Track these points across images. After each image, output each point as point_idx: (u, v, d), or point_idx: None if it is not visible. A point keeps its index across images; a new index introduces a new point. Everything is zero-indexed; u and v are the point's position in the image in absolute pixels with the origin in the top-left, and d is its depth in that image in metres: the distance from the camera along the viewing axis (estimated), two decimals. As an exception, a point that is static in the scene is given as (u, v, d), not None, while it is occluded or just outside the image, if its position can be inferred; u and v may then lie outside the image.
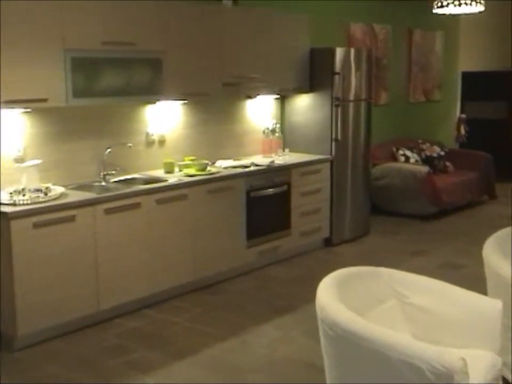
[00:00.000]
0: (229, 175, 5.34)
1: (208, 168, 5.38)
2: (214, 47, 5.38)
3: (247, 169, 5.55)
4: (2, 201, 4.10)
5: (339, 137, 6.35)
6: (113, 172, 5.03)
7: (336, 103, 6.29)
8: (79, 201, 4.29)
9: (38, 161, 4.40)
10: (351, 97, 6.45)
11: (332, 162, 6.37)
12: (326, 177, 6.35)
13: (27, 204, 4.09)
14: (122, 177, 5.10)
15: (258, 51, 5.78)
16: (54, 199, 4.25)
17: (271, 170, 5.74)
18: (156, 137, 5.45)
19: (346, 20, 7.41)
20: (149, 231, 4.72)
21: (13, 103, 4.12)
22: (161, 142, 5.51)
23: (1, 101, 4.05)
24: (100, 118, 5.02)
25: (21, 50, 4.10)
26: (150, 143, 5.42)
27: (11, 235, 3.94)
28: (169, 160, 5.39)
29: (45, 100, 4.27)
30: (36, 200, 4.14)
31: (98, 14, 4.51)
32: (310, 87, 6.40)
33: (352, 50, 6.44)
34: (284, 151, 6.38)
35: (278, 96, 6.45)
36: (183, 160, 5.52)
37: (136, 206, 4.63)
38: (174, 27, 5.03)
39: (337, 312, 2.77)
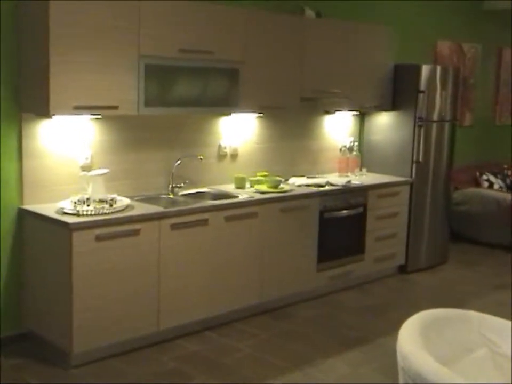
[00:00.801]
0: (302, 194, 5.05)
1: (281, 185, 5.10)
2: (294, 59, 5.12)
3: (321, 189, 5.24)
4: (65, 211, 3.94)
5: (420, 159, 5.97)
6: (182, 185, 4.82)
7: (420, 123, 5.92)
8: (145, 215, 4.08)
9: (106, 170, 4.23)
10: (435, 117, 6.07)
11: (411, 184, 5.99)
12: (404, 200, 5.98)
13: (91, 215, 3.92)
14: (191, 191, 4.89)
15: (340, 65, 5.48)
16: (119, 211, 4.06)
17: (347, 191, 5.42)
18: (228, 150, 5.22)
19: (433, 36, 7.02)
20: (215, 249, 4.48)
21: (82, 109, 3.96)
22: (234, 155, 5.27)
23: (71, 106, 3.89)
24: (171, 128, 4.82)
25: (93, 55, 3.94)
26: (221, 156, 5.19)
27: (72, 247, 3.76)
28: (240, 175, 5.15)
29: (115, 107, 4.10)
30: (100, 211, 3.96)
31: (176, 20, 4.31)
32: (392, 104, 6.05)
33: (439, 68, 6.07)
34: (361, 170, 6.04)
35: (357, 112, 6.12)
36: (255, 176, 5.27)
37: (204, 222, 4.39)
38: (254, 37, 4.79)
39: (422, 363, 2.44)
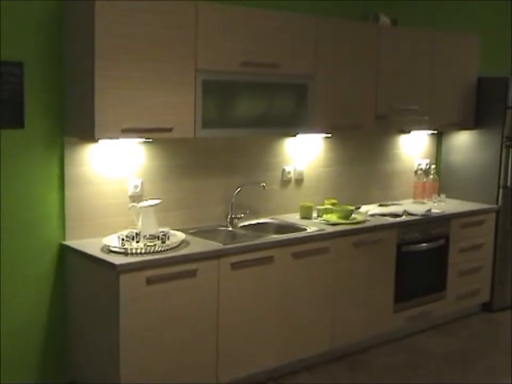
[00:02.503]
0: (378, 225, 4.44)
1: (353, 215, 4.50)
2: (368, 72, 4.53)
3: (399, 219, 4.62)
4: (112, 248, 3.43)
5: (508, 184, 5.28)
6: (242, 215, 4.26)
7: (508, 143, 5.24)
8: (203, 253, 3.54)
9: (158, 201, 3.71)
10: (524, 136, 5.37)
11: (497, 212, 5.31)
12: (490, 230, 5.30)
13: (141, 254, 3.40)
14: (251, 222, 4.34)
15: (419, 79, 4.88)
16: (173, 249, 3.53)
17: (427, 221, 4.78)
18: (292, 175, 4.66)
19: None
20: (281, 291, 3.91)
21: (131, 132, 3.46)
22: (299, 181, 4.70)
23: (119, 129, 3.39)
24: (231, 152, 4.29)
25: (144, 70, 3.45)
26: (285, 182, 4.62)
27: (120, 292, 3.24)
28: (307, 204, 4.57)
29: (169, 130, 3.58)
30: (152, 249, 3.44)
31: (237, 30, 3.79)
32: (474, 122, 5.39)
33: (526, 81, 5.36)
34: (439, 196, 5.38)
35: (434, 132, 5.48)
36: (323, 204, 4.69)
37: (269, 260, 3.83)
38: (324, 48, 4.23)
39: None
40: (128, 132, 3.44)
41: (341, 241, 4.21)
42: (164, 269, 3.38)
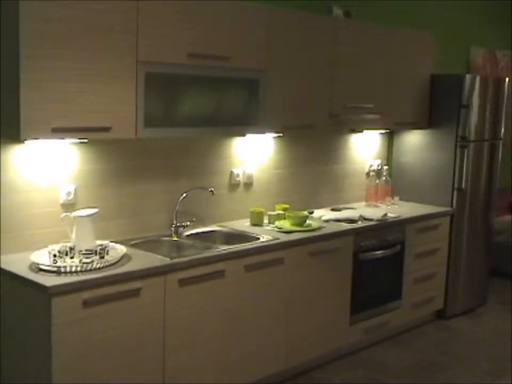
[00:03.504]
0: (334, 232, 4.12)
1: (307, 221, 4.16)
2: (323, 67, 4.21)
3: (355, 225, 4.31)
4: (42, 267, 2.97)
5: (463, 186, 5.06)
6: (188, 223, 3.86)
7: (462, 143, 5.03)
8: (146, 270, 3.12)
9: (94, 211, 3.27)
10: (478, 136, 5.16)
11: (452, 216, 5.08)
12: (444, 234, 5.08)
13: (76, 272, 2.95)
14: (198, 230, 3.94)
15: (373, 75, 4.58)
16: (113, 265, 3.10)
17: (384, 226, 4.49)
18: (241, 178, 4.28)
19: (467, 42, 6.14)
20: (232, 307, 3.54)
21: (64, 132, 3.00)
22: (248, 184, 4.33)
23: (48, 128, 2.94)
24: (175, 153, 3.88)
25: (78, 60, 3.00)
26: (234, 185, 4.24)
27: (51, 317, 2.80)
28: (257, 209, 4.21)
29: (107, 129, 3.15)
30: (89, 266, 2.99)
31: (185, 18, 3.38)
32: (428, 122, 5.16)
33: (478, 79, 5.14)
34: (392, 199, 5.12)
35: (385, 131, 5.21)
36: (274, 209, 4.34)
37: (220, 274, 3.45)
38: (276, 40, 3.87)
39: None
40: (60, 131, 2.99)
41: (296, 251, 3.87)
42: (103, 289, 2.94)
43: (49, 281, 2.82)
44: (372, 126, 4.77)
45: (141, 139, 3.44)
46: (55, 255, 3.01)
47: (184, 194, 3.83)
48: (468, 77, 5.01)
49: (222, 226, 4.08)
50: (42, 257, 3.07)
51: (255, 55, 3.75)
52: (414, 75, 4.95)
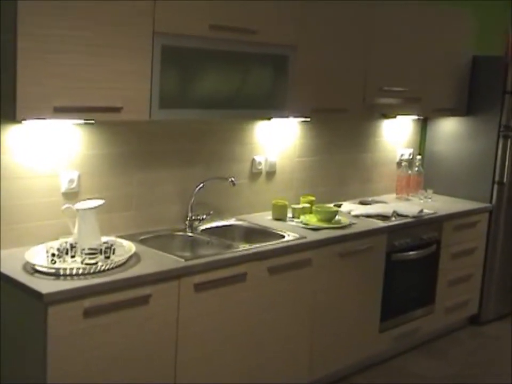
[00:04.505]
0: (367, 230, 3.69)
1: (337, 217, 3.74)
2: (358, 45, 3.76)
3: (389, 222, 3.88)
4: (38, 267, 2.56)
5: (504, 180, 4.61)
6: (204, 217, 3.44)
7: (505, 132, 4.57)
8: (158, 274, 2.70)
9: (100, 202, 2.84)
10: (523, 125, 4.70)
11: (490, 212, 4.64)
12: (482, 232, 4.64)
13: (77, 275, 2.54)
14: (214, 224, 3.52)
15: (410, 55, 4.12)
16: (120, 266, 2.68)
17: (419, 223, 4.06)
18: (263, 167, 3.85)
19: (505, 23, 5.62)
20: (253, 315, 3.13)
21: (67, 111, 2.58)
22: (270, 174, 3.90)
23: (50, 107, 2.51)
24: (191, 139, 3.45)
25: (84, 29, 2.57)
26: (255, 175, 3.82)
27: (47, 328, 2.39)
28: (280, 202, 3.79)
29: (117, 110, 2.72)
30: (92, 268, 2.58)
31: (206, -16, 2.93)
32: (467, 108, 4.69)
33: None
34: (426, 192, 4.67)
35: (419, 117, 4.76)
36: (299, 201, 3.91)
37: (241, 278, 3.03)
38: (308, 13, 3.41)
39: None
40: (63, 111, 2.57)
41: (325, 251, 3.45)
42: (107, 296, 2.54)
43: (45, 286, 2.41)
44: (407, 111, 4.32)
45: (154, 121, 3.00)
46: (53, 254, 2.59)
47: (201, 185, 3.40)
48: (514, 60, 4.53)
49: (241, 220, 3.67)
50: (38, 255, 2.66)
51: (284, 29, 3.30)
52: (453, 56, 4.49)
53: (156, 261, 2.82)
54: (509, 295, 4.96)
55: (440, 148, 4.91)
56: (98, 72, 2.63)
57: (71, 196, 2.98)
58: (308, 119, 3.77)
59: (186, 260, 2.85)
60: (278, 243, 3.25)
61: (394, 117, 4.47)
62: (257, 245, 3.17)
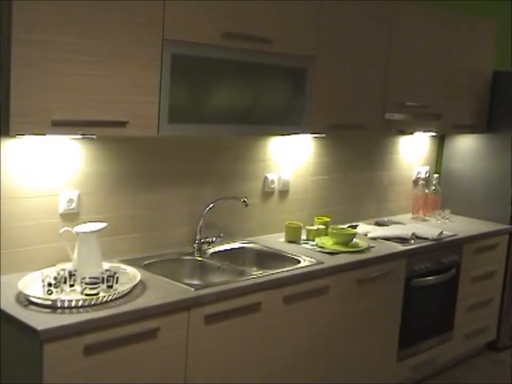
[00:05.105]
0: (386, 255, 3.45)
1: (354, 240, 3.50)
2: (377, 59, 3.53)
3: (409, 246, 3.64)
4: (33, 299, 2.30)
5: (524, 199, 4.39)
6: (214, 239, 3.20)
7: (527, 150, 4.35)
8: (167, 305, 2.45)
9: (102, 225, 2.60)
10: (545, 143, 4.48)
11: (510, 234, 4.41)
12: (501, 255, 4.40)
13: (77, 307, 2.28)
14: (224, 247, 3.28)
15: (431, 69, 3.89)
16: (124, 296, 2.43)
17: (439, 247, 3.82)
18: (276, 185, 3.61)
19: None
20: (267, 348, 2.88)
21: (66, 126, 2.33)
22: (283, 193, 3.66)
23: (47, 121, 2.27)
24: (200, 156, 3.21)
25: (86, 36, 2.33)
26: (267, 194, 3.58)
27: (43, 368, 2.13)
28: (294, 223, 3.54)
29: (122, 124, 2.48)
30: (93, 300, 2.33)
31: (220, -10, 2.71)
32: (486, 125, 4.47)
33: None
34: (443, 212, 4.43)
35: (435, 134, 4.53)
36: (313, 222, 3.67)
37: (255, 308, 2.78)
38: (327, 22, 3.19)
39: None
40: (62, 125, 2.32)
41: (343, 277, 3.20)
42: (111, 331, 2.28)
43: (41, 321, 2.16)
44: (426, 128, 4.08)
45: (161, 137, 2.76)
46: (50, 284, 2.34)
47: (211, 205, 3.16)
48: (537, 74, 4.31)
49: (253, 242, 3.42)
50: (33, 284, 2.41)
51: (302, 39, 3.07)
52: (474, 70, 4.26)
53: (163, 290, 2.57)
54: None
55: (457, 166, 4.68)
56: (101, 83, 2.39)
57: (70, 217, 2.74)
58: (322, 135, 3.53)
59: (196, 289, 2.60)
60: (294, 269, 3.00)
61: (412, 133, 4.25)
62: (272, 272, 2.92)
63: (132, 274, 2.63)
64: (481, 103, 4.39)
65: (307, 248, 3.39)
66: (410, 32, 3.68)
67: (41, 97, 2.24)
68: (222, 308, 2.64)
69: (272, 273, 2.89)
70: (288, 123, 3.13)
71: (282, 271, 2.94)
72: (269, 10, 2.89)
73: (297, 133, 3.22)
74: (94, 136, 2.54)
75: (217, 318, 2.63)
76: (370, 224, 4.05)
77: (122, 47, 2.42)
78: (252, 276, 2.83)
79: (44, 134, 2.32)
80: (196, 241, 3.14)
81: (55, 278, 2.37)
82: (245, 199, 3.18)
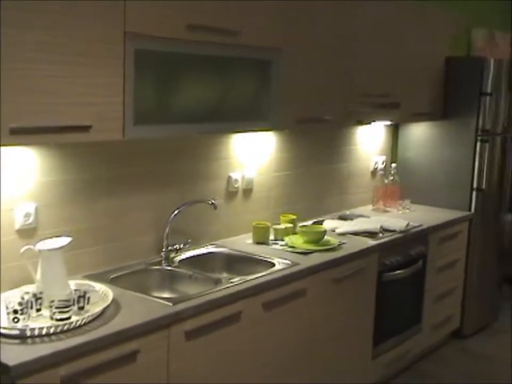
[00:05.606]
0: (360, 251, 3.33)
1: (325, 237, 3.37)
2: (343, 47, 3.39)
3: (379, 240, 3.54)
4: (-1, 329, 2.06)
5: (483, 186, 4.36)
6: (182, 246, 3.00)
7: (483, 137, 4.32)
8: (146, 324, 2.24)
9: (67, 240, 2.36)
10: (501, 128, 4.47)
11: (470, 221, 4.38)
12: (463, 243, 4.37)
13: (48, 335, 2.05)
14: (192, 253, 3.08)
15: (388, 57, 3.79)
16: (98, 318, 2.21)
17: (407, 239, 3.73)
18: (240, 184, 3.43)
19: (467, 24, 5.40)
20: (249, 357, 2.72)
21: (27, 134, 2.08)
22: (247, 191, 3.49)
23: (6, 129, 2.02)
24: (162, 158, 3.00)
25: (42, 29, 2.08)
26: (231, 193, 3.40)
27: (16, 407, 1.89)
28: (261, 223, 3.38)
29: (85, 129, 2.24)
30: (66, 325, 2.10)
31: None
32: (442, 112, 4.42)
33: (504, 63, 4.41)
34: (403, 202, 4.36)
35: (392, 123, 4.45)
36: (278, 220, 3.52)
37: (235, 318, 2.61)
38: (292, 13, 3.02)
39: None
40: (21, 133, 2.06)
41: (319, 278, 3.06)
42: (87, 359, 2.06)
43: (11, 354, 1.92)
44: (385, 117, 3.99)
45: (123, 141, 2.53)
46: (15, 311, 2.09)
47: (177, 211, 2.95)
48: (491, 60, 4.28)
49: (220, 246, 3.24)
50: (-3, 312, 2.16)
51: (268, 30, 2.89)
52: (428, 58, 4.19)
53: (138, 307, 2.36)
54: (487, 306, 4.73)
55: (413, 155, 4.62)
56: (60, 83, 2.15)
57: (28, 233, 2.49)
58: (285, 130, 3.38)
59: (174, 304, 2.39)
60: (271, 273, 2.83)
61: (369, 123, 4.14)
62: (250, 278, 2.74)
63: (101, 292, 2.41)
64: (436, 90, 4.33)
65: (278, 249, 3.23)
66: (367, 23, 3.55)
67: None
68: (202, 321, 2.45)
69: (250, 279, 2.72)
70: (255, 119, 2.96)
71: (260, 276, 2.77)
72: (234, 1, 2.70)
73: (266, 129, 3.05)
74: (50, 143, 2.30)
75: (197, 332, 2.44)
76: (334, 218, 3.93)
77: (80, 43, 2.18)
78: (230, 284, 2.64)
79: (2, 145, 2.06)
80: (163, 250, 2.93)
81: (19, 304, 2.12)
82: (213, 201, 2.99)
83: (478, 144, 4.33)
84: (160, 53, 2.48)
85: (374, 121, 4.03)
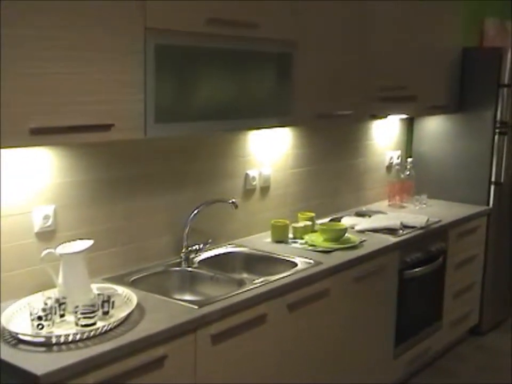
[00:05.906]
0: (380, 248, 3.26)
1: (346, 235, 3.29)
2: (359, 41, 3.32)
3: (400, 237, 3.46)
4: (22, 336, 1.99)
5: (502, 179, 4.28)
6: (201, 246, 2.93)
7: (502, 129, 4.24)
8: (172, 329, 2.17)
9: (88, 243, 2.29)
10: (518, 121, 4.39)
11: (489, 216, 4.30)
12: (482, 238, 4.30)
13: (74, 342, 1.98)
14: (211, 253, 3.01)
15: (405, 50, 3.71)
16: (123, 323, 2.14)
17: (427, 235, 3.66)
18: (258, 182, 3.36)
19: (480, 13, 5.33)
20: (277, 359, 2.65)
21: (48, 134, 2.00)
22: (264, 189, 3.42)
23: (26, 129, 1.94)
24: (180, 157, 2.93)
25: (58, 27, 2.00)
26: (249, 191, 3.32)
27: (43, 418, 1.82)
28: (281, 221, 3.31)
29: (107, 128, 2.16)
30: (91, 332, 2.03)
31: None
32: (458, 104, 4.34)
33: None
34: (420, 197, 4.28)
35: (407, 117, 4.38)
36: (296, 218, 3.45)
37: (261, 320, 2.54)
38: (310, 6, 2.94)
39: None
40: (42, 133, 1.99)
41: (341, 277, 2.99)
42: (115, 366, 1.99)
43: (38, 363, 1.85)
44: (402, 111, 3.91)
45: (140, 140, 2.46)
46: (40, 317, 2.02)
47: (196, 211, 2.88)
48: (508, 50, 4.19)
49: (239, 245, 3.16)
50: (17, 317, 2.09)
51: (288, 22, 2.81)
52: (444, 49, 4.11)
53: (163, 311, 2.29)
54: (504, 301, 4.65)
55: (428, 149, 4.54)
56: (79, 82, 2.07)
57: (47, 236, 2.41)
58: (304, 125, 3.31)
59: (200, 307, 2.32)
60: (295, 273, 2.76)
61: (385, 117, 4.06)
62: (274, 278, 2.67)
63: (125, 295, 2.34)
64: (453, 82, 4.25)
65: (298, 248, 3.16)
66: (384, 16, 3.47)
67: (14, 102, 1.91)
68: (228, 324, 2.38)
69: (274, 280, 2.65)
70: (275, 114, 2.88)
71: (284, 277, 2.69)
72: (252, -8, 2.62)
73: (286, 125, 2.98)
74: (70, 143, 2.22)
75: (224, 336, 2.37)
76: (351, 215, 3.86)
77: (101, 41, 2.10)
78: (254, 286, 2.57)
79: (23, 146, 1.98)
80: (183, 250, 2.86)
81: (43, 310, 2.05)
82: (234, 201, 2.92)
83: (496, 136, 4.24)
84: (180, 48, 2.40)
85: (390, 114, 3.95)
